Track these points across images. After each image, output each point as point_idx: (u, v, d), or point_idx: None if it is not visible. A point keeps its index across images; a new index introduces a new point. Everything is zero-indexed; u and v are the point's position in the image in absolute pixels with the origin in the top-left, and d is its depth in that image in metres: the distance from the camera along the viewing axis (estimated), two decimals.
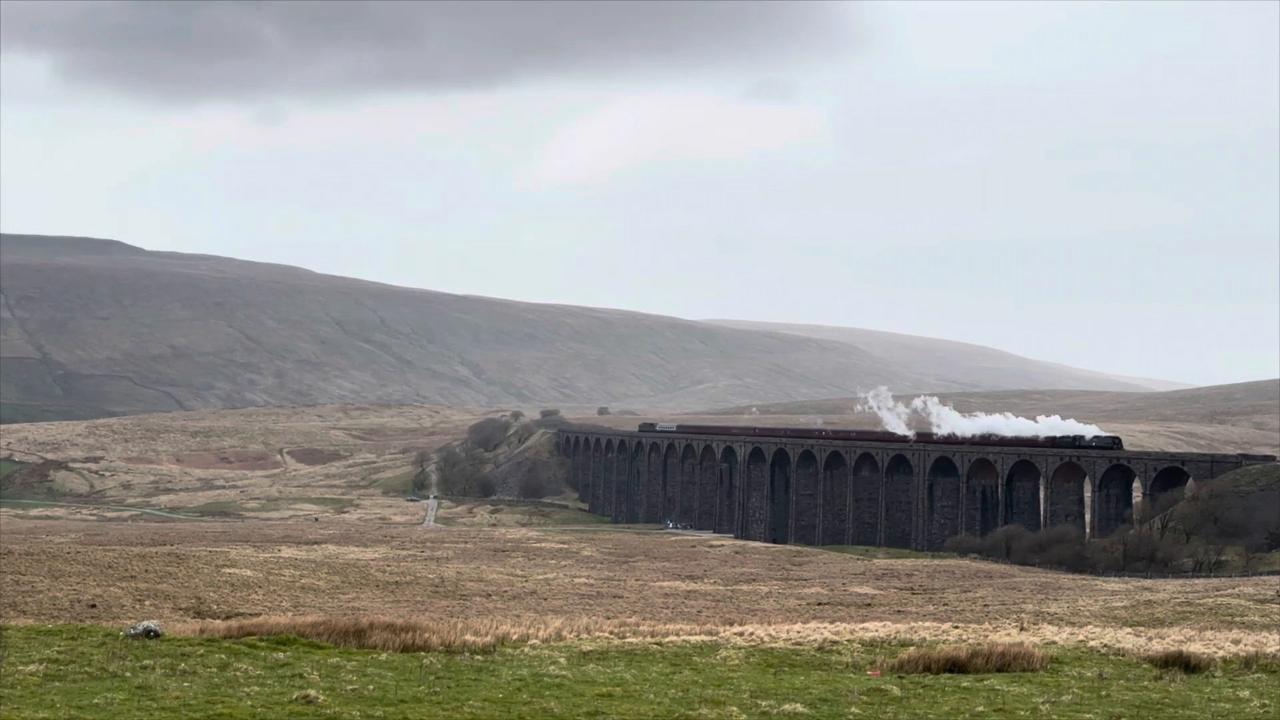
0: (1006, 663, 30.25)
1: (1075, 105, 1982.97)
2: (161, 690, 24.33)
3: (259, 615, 56.60)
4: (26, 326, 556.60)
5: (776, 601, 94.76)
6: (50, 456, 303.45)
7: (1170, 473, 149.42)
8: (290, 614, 62.37)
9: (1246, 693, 27.33)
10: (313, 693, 24.27)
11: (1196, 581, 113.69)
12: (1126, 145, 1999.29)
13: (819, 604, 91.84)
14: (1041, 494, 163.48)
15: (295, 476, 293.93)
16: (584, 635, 36.77)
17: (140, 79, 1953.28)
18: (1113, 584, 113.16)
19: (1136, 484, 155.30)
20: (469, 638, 33.04)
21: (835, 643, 35.17)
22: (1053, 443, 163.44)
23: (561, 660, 30.15)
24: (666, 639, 35.22)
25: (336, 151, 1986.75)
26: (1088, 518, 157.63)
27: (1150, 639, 37.40)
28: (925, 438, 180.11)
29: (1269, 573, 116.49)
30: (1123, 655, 33.08)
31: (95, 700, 23.16)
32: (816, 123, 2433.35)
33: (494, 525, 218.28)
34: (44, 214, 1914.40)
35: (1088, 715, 24.80)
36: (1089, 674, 29.79)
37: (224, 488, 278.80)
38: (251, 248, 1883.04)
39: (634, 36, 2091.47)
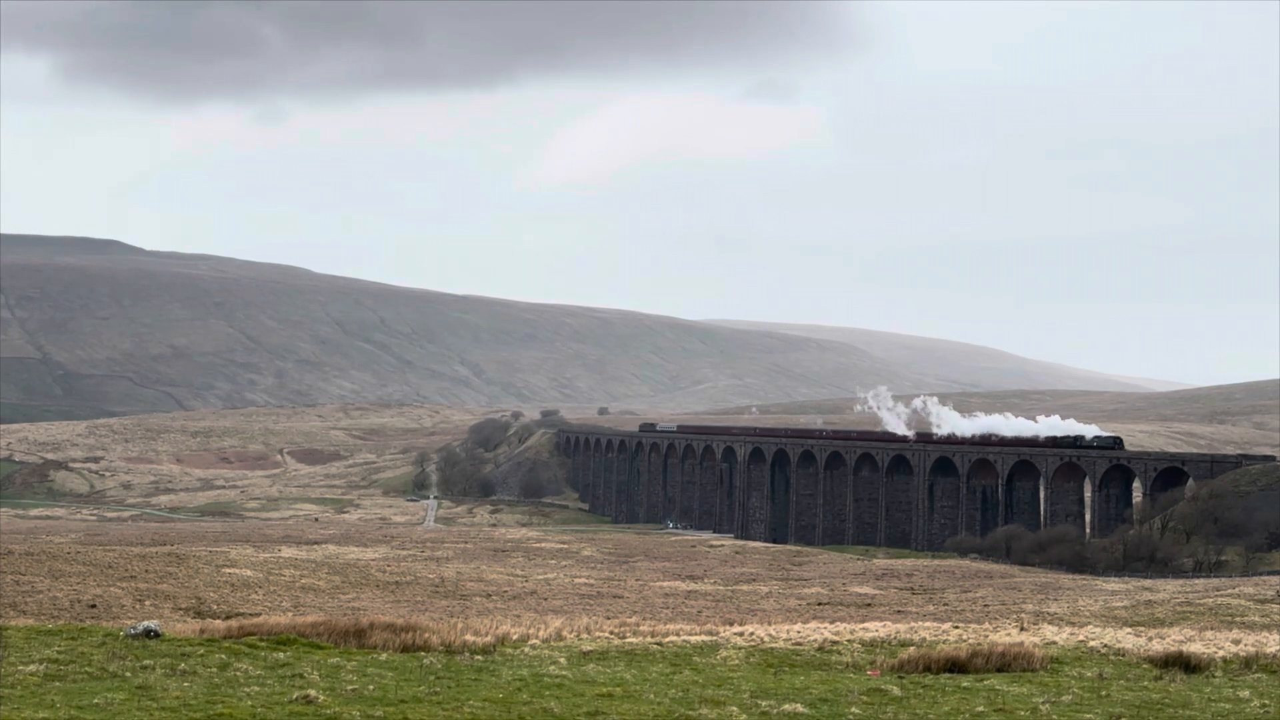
0: (1006, 663, 30.26)
1: (1075, 105, 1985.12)
2: (161, 690, 24.33)
3: (259, 615, 56.60)
4: (26, 326, 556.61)
5: (776, 601, 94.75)
6: (50, 456, 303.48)
7: (1170, 473, 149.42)
8: (290, 614, 62.37)
9: (1246, 693, 27.33)
10: (313, 693, 24.27)
11: (1196, 581, 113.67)
12: (1126, 145, 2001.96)
13: (819, 604, 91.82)
14: (1041, 494, 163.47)
15: (295, 476, 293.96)
16: (584, 635, 36.77)
17: (140, 79, 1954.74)
18: (1113, 584, 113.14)
19: (1136, 484, 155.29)
20: (469, 638, 33.04)
21: (835, 643, 35.17)
22: (1053, 443, 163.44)
23: (561, 660, 30.15)
24: (666, 639, 35.22)
25: (336, 151, 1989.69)
26: (1088, 518, 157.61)
27: (1150, 639, 37.40)
28: (925, 438, 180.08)
29: (1269, 573, 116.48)
30: (1123, 655, 33.08)
31: (95, 700, 23.16)
32: (816, 123, 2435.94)
33: (494, 525, 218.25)
34: (44, 214, 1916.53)
35: (1088, 715, 24.80)
36: (1089, 674, 29.79)
37: (224, 488, 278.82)
38: (251, 248, 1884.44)
39: (634, 36, 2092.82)
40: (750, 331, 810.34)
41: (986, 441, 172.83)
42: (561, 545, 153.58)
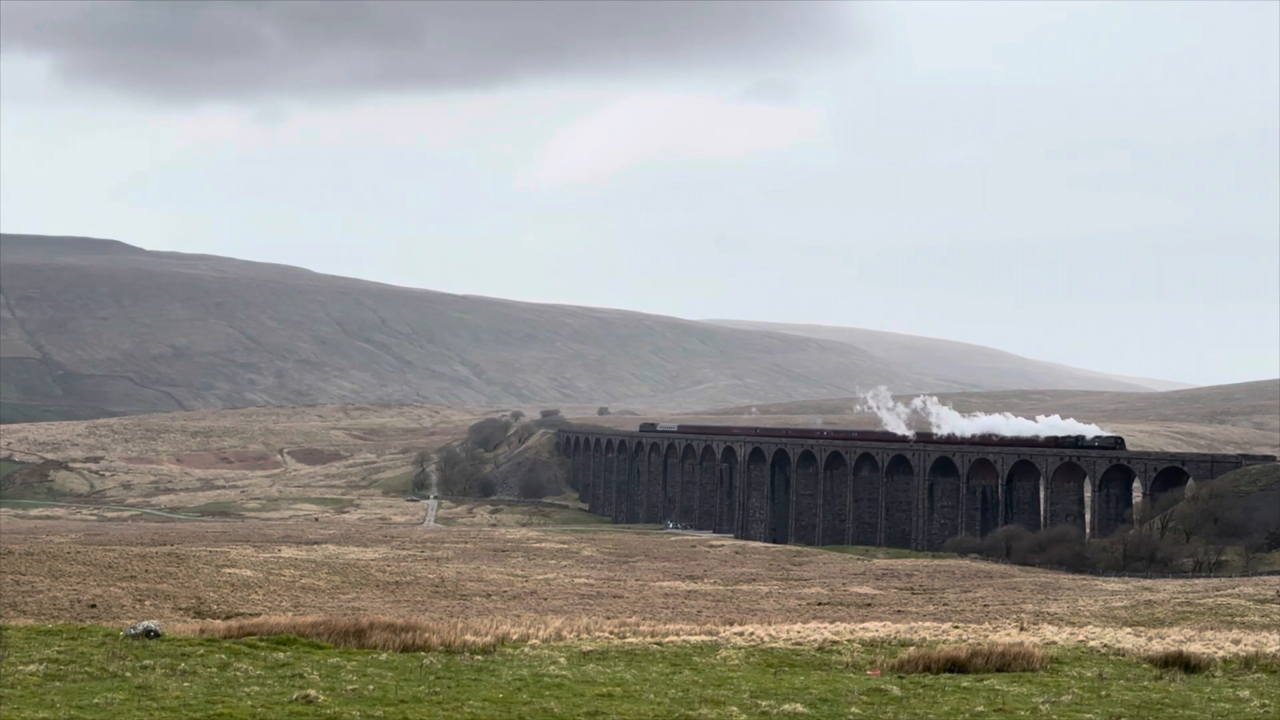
0: (1006, 663, 30.25)
1: (1075, 105, 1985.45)
2: (161, 690, 24.33)
3: (259, 615, 56.60)
4: (26, 326, 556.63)
5: (776, 601, 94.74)
6: (50, 456, 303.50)
7: (1170, 473, 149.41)
8: (290, 614, 62.37)
9: (1246, 693, 27.33)
10: (313, 693, 24.28)
11: (1196, 581, 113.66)
12: (1126, 145, 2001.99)
13: (819, 604, 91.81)
14: (1041, 494, 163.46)
15: (295, 476, 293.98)
16: (584, 635, 36.77)
17: (140, 79, 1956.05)
18: (1113, 584, 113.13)
19: (1136, 484, 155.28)
20: (469, 638, 33.04)
21: (835, 643, 35.17)
22: (1053, 443, 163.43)
23: (561, 660, 30.15)
24: (666, 639, 35.21)
25: (336, 151, 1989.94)
26: (1088, 518, 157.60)
27: (1150, 639, 37.40)
28: (925, 438, 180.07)
29: (1269, 573, 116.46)
30: (1123, 655, 33.08)
31: (95, 700, 23.16)
32: (817, 123, 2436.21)
33: (494, 525, 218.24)
34: (44, 214, 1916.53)
35: (1088, 715, 24.80)
36: (1089, 674, 29.79)
37: (224, 488, 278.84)
38: (251, 248, 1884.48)
39: (634, 36, 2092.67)
40: (750, 331, 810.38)
41: (986, 441, 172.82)
42: (561, 545, 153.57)
